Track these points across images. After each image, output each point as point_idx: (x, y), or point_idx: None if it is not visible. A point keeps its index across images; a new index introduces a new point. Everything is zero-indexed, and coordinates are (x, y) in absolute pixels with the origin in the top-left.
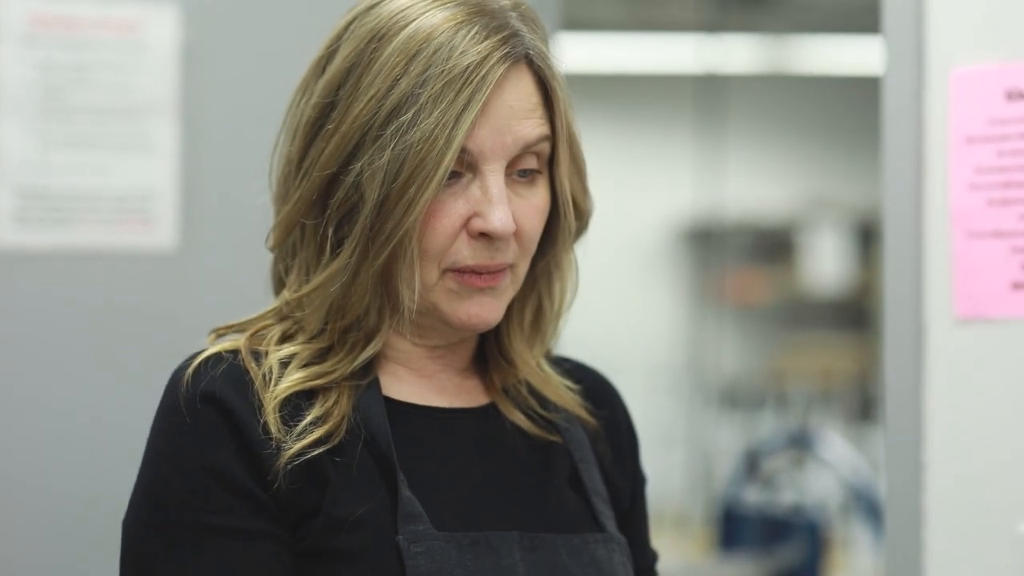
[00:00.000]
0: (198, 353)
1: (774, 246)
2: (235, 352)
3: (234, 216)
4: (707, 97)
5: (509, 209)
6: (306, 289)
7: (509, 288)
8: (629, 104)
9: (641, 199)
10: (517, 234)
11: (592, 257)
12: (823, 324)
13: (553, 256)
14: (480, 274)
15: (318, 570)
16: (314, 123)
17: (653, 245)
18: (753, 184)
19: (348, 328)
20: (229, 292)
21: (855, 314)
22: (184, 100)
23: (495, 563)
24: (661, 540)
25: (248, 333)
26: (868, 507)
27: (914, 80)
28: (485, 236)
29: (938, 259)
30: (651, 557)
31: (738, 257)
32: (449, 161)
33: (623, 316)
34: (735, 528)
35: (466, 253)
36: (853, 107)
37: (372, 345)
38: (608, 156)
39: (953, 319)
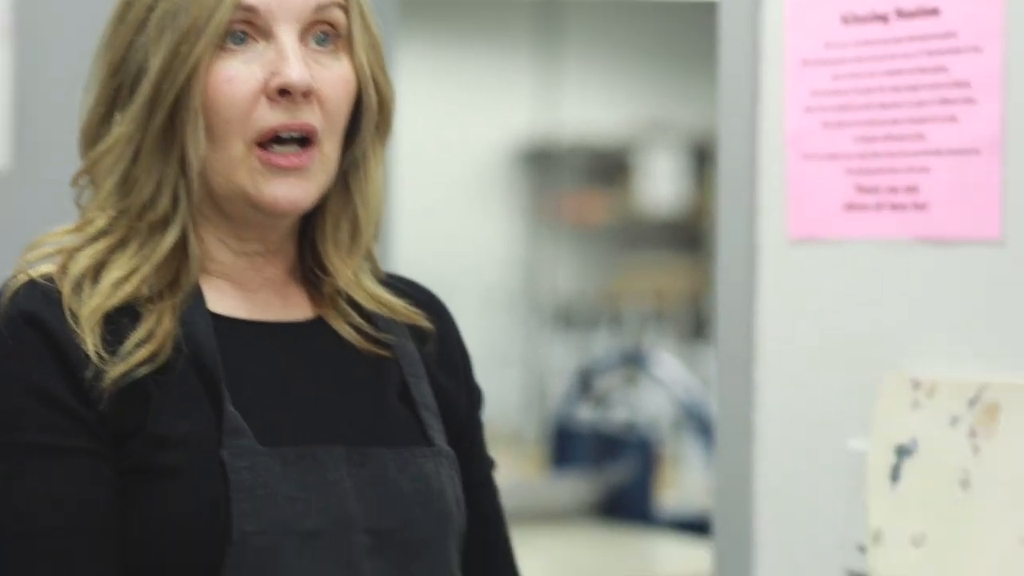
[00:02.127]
0: (19, 274)
1: (610, 168)
2: (52, 272)
3: (68, 136)
4: (544, 19)
5: (305, 65)
6: (90, 158)
7: (319, 172)
8: (467, 26)
9: (478, 120)
10: (320, 101)
11: (429, 178)
12: (657, 245)
13: (360, 146)
14: (287, 156)
15: (143, 487)
16: (113, 19)
17: (490, 166)
18: (590, 106)
19: (142, 213)
20: (63, 213)
21: (689, 235)
22: (17, 20)
23: (321, 478)
24: (495, 458)
25: (62, 249)
26: (699, 425)
27: (750, 3)
28: (286, 95)
29: (772, 181)
30: (488, 465)
31: (574, 178)
32: (223, 15)
33: (459, 237)
34: (568, 446)
35: (268, 116)
36: (690, 31)
37: (171, 231)
38: (446, 78)
39: (786, 240)
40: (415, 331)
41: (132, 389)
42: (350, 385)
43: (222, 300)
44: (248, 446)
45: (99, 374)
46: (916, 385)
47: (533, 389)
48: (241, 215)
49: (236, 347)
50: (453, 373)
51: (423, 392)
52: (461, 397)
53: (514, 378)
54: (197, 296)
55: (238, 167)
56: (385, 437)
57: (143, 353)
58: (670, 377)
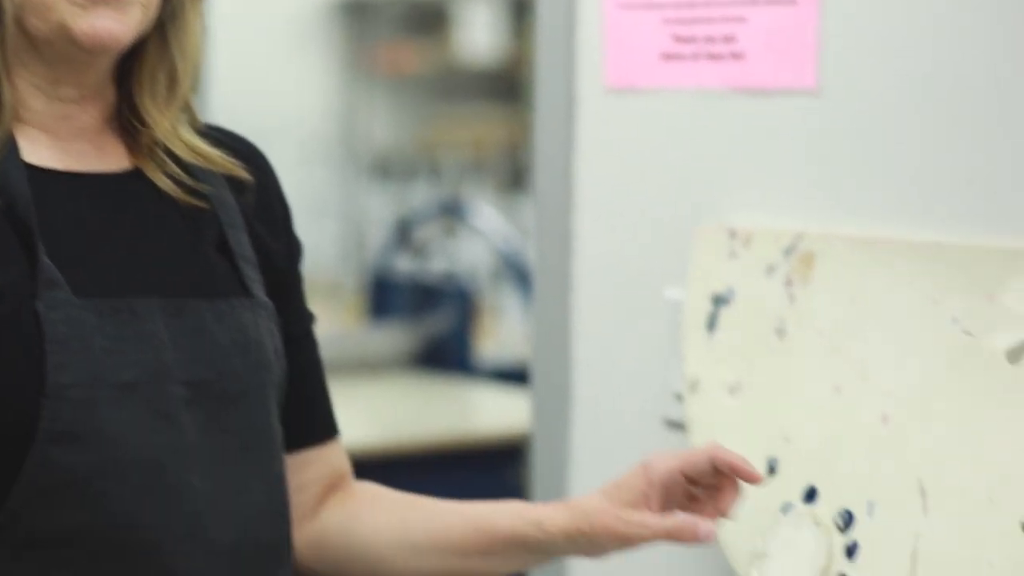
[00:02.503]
0: None
1: (427, 17)
2: None
3: None
4: None
5: None
6: None
7: (136, 7)
8: None
9: None
10: None
11: (246, 29)
12: (475, 95)
13: None
14: None
15: None
16: None
17: (307, 17)
18: None
19: None
20: None
21: (507, 85)
22: None
23: (137, 330)
24: (314, 309)
25: None
26: (518, 275)
27: None
28: None
29: (589, 30)
30: (308, 319)
31: (391, 28)
32: None
33: (276, 88)
34: (386, 296)
35: None
36: None
37: None
38: None
39: (603, 89)
40: (233, 182)
41: None
42: (167, 236)
43: (36, 151)
44: (63, 298)
45: None
46: (732, 235)
47: (351, 240)
48: (58, 56)
49: (51, 198)
50: (272, 224)
51: (241, 243)
52: (280, 249)
53: (332, 229)
54: (10, 146)
55: (55, 3)
56: (202, 288)
57: None
58: (488, 227)
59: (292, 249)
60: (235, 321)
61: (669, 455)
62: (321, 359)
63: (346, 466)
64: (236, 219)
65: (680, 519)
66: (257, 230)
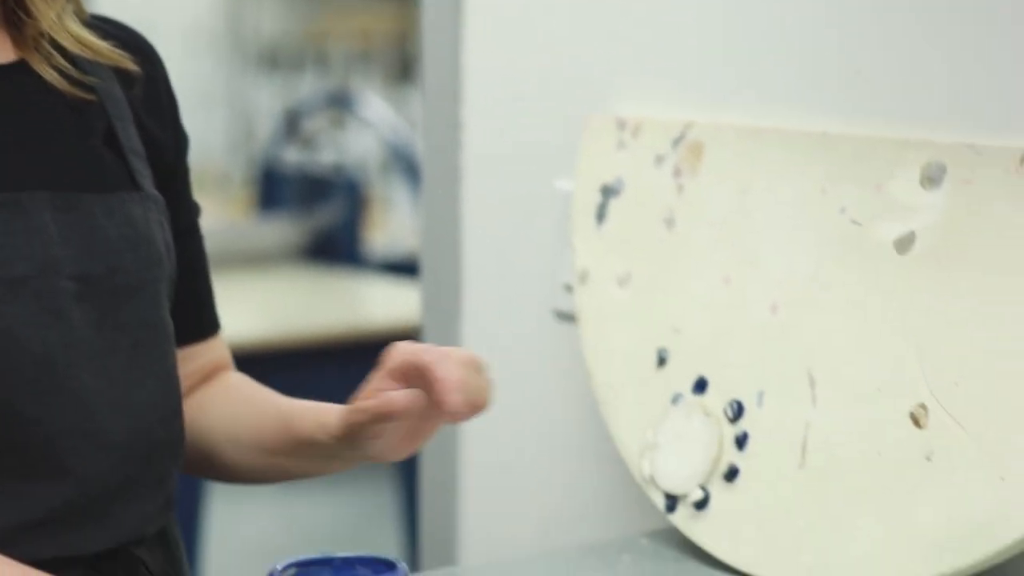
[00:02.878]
0: None
1: None
2: None
3: None
4: None
5: None
6: None
7: None
8: None
9: None
10: None
11: None
12: None
13: None
14: None
15: None
16: None
17: None
18: None
19: None
20: None
21: None
22: None
23: (24, 224)
24: (202, 202)
25: None
26: (407, 166)
27: None
28: None
29: None
30: (194, 212)
31: None
32: None
33: None
34: (275, 188)
35: None
36: None
37: None
38: None
39: None
40: (121, 74)
41: None
42: (54, 130)
43: None
44: None
45: None
46: (621, 125)
47: (239, 131)
48: None
49: None
50: (160, 117)
51: (130, 137)
52: (168, 141)
53: (219, 120)
54: None
55: None
56: (91, 182)
57: None
58: (377, 119)
59: (180, 141)
60: (125, 215)
61: (404, 349)
62: (206, 253)
63: (224, 358)
64: (124, 112)
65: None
66: (145, 123)
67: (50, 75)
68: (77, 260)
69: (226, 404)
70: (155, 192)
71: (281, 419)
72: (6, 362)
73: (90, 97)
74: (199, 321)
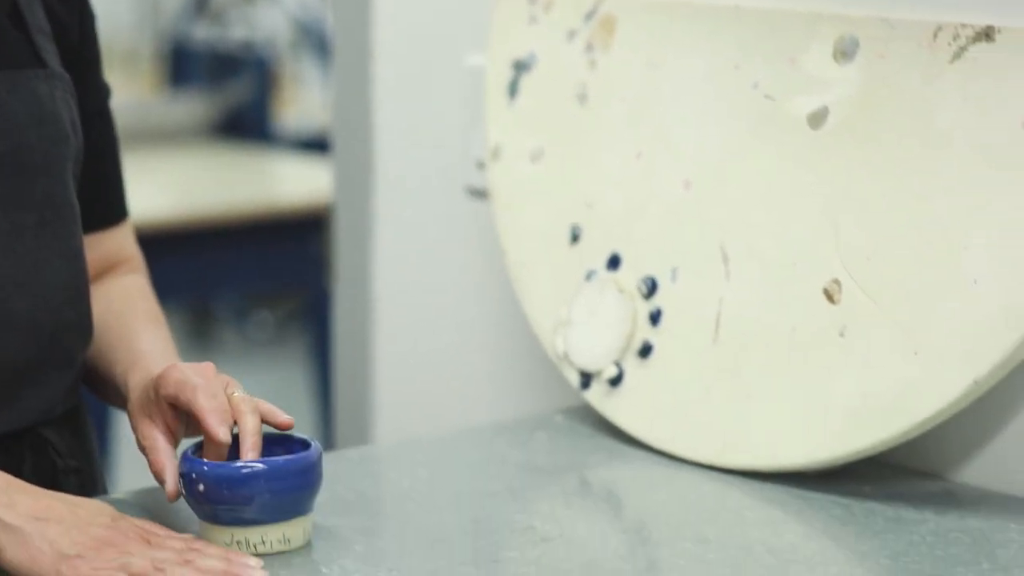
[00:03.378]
0: None
1: None
2: None
3: None
4: None
5: None
6: None
7: None
8: None
9: None
10: None
11: None
12: None
13: None
14: None
15: None
16: None
17: None
18: None
19: None
20: None
21: None
22: None
23: None
24: (111, 79)
25: None
26: (317, 43)
27: None
28: None
29: None
30: (104, 94)
31: None
32: None
33: None
34: (184, 65)
35: None
36: None
37: None
38: None
39: None
40: None
41: None
42: None
43: None
44: None
45: None
46: None
47: (147, 6)
48: None
49: None
50: None
51: (35, 14)
52: (73, 19)
53: None
54: None
55: None
56: None
57: None
58: None
59: (85, 20)
60: (30, 93)
61: (174, 379)
62: (117, 137)
63: (128, 251)
64: None
65: (155, 463)
66: (50, 2)
67: None
68: None
69: (100, 315)
70: (62, 71)
71: (119, 364)
72: None
73: None
74: (106, 206)
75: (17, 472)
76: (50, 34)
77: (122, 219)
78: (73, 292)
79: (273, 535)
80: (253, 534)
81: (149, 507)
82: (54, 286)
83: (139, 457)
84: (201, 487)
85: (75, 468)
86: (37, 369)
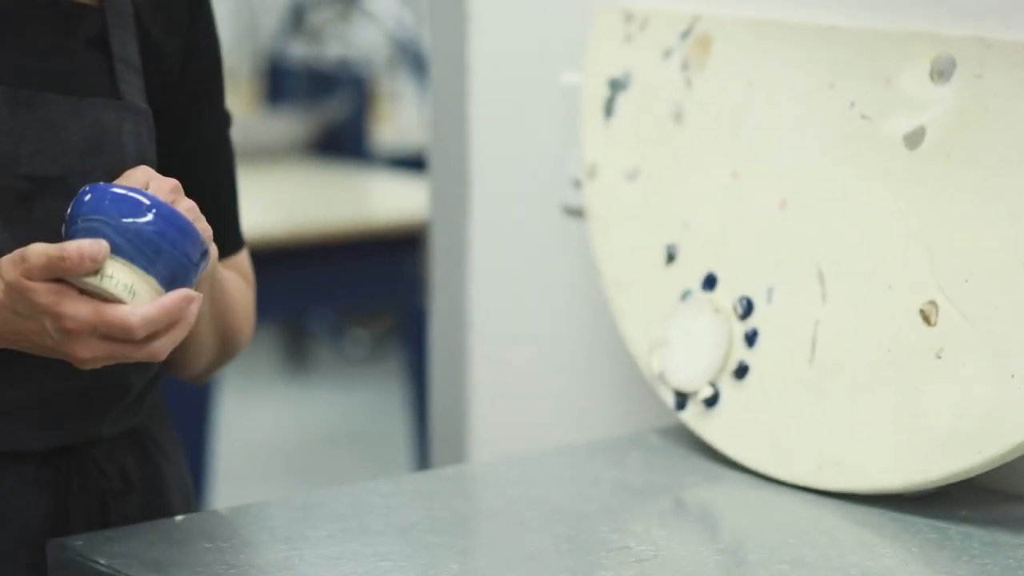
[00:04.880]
0: None
1: None
2: None
3: None
4: None
5: None
6: None
7: None
8: None
9: None
10: None
11: None
12: None
13: None
14: None
15: None
16: None
17: None
18: None
19: None
20: None
21: None
22: None
23: None
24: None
25: None
26: (414, 60)
27: None
28: None
29: None
30: (221, 124)
31: None
32: None
33: None
34: (281, 82)
35: None
36: None
37: None
38: None
39: None
40: None
41: None
42: (36, 30)
43: None
44: None
45: None
46: (628, 17)
47: (245, 25)
48: None
49: None
50: (167, 22)
51: (125, 46)
52: (176, 53)
53: (224, 13)
54: None
55: None
56: (62, 83)
57: None
58: (383, 12)
59: (194, 52)
60: (93, 120)
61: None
62: (234, 168)
63: (249, 276)
64: (125, 21)
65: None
66: (152, 33)
67: None
68: (31, 159)
69: None
70: (141, 104)
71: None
72: None
73: (90, 2)
74: (221, 238)
75: (65, 490)
76: (138, 66)
77: (237, 250)
78: None
79: (123, 277)
80: (110, 266)
81: (215, 532)
82: None
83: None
84: (88, 196)
85: (123, 491)
86: (83, 392)
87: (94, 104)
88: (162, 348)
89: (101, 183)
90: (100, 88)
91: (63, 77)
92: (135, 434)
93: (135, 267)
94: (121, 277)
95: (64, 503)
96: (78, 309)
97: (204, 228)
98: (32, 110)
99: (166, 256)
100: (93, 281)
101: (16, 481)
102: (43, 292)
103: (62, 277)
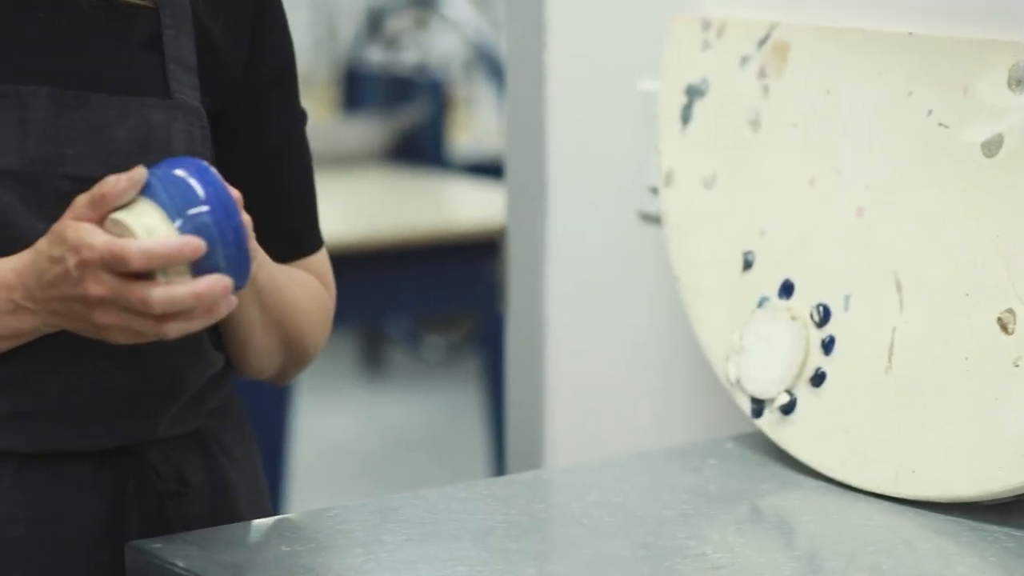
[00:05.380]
0: None
1: None
2: None
3: None
4: None
5: None
6: None
7: None
8: None
9: None
10: None
11: None
12: None
13: None
14: None
15: None
16: None
17: None
18: None
19: None
20: None
21: None
22: None
23: (23, 117)
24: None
25: None
26: (491, 66)
27: None
28: None
29: None
30: (294, 125)
31: None
32: None
33: None
34: (359, 88)
35: None
36: None
37: None
38: None
39: None
40: None
41: None
42: (87, 31)
43: None
44: None
45: None
46: (706, 25)
47: (323, 31)
48: None
49: None
50: (231, 24)
51: (179, 47)
52: (240, 52)
53: (302, 19)
54: None
55: None
56: (111, 83)
57: None
58: (461, 18)
59: (259, 48)
60: (142, 121)
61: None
62: (310, 165)
63: (325, 277)
64: (181, 21)
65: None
66: (212, 33)
67: None
68: (78, 159)
69: None
70: (193, 103)
71: None
72: (5, 249)
73: (144, 3)
74: (297, 236)
75: (121, 491)
76: (193, 65)
77: (312, 250)
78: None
79: (149, 220)
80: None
81: (292, 535)
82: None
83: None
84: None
85: (179, 492)
86: (136, 390)
87: (143, 104)
88: (174, 330)
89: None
90: (151, 88)
91: (114, 77)
92: (197, 436)
93: (164, 215)
94: (147, 220)
95: (120, 504)
96: (95, 238)
97: (253, 246)
98: (78, 111)
99: (205, 227)
100: (120, 215)
101: (71, 482)
102: (73, 226)
103: (101, 208)
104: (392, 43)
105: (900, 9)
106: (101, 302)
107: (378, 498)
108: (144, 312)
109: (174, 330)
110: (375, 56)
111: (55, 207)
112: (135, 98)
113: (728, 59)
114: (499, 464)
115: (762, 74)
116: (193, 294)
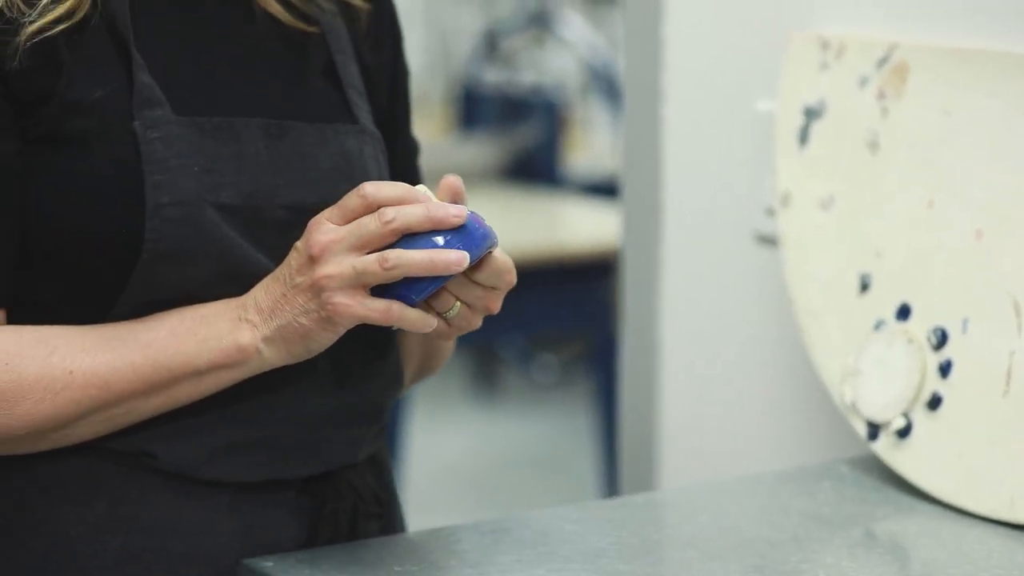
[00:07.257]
0: None
1: None
2: None
3: None
4: None
5: None
6: None
7: None
8: None
9: None
10: None
11: None
12: None
13: None
14: None
15: (52, 156)
16: None
17: None
18: None
19: None
20: None
21: None
22: None
23: (237, 150)
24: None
25: None
26: (607, 86)
27: None
28: None
29: None
30: (413, 151)
31: None
32: None
33: None
34: (475, 108)
35: None
36: None
37: None
38: None
39: None
40: (346, 8)
41: (45, 49)
42: (271, 58)
43: None
44: (162, 117)
45: (12, 27)
46: (825, 45)
47: (438, 51)
48: None
49: (151, 14)
50: (379, 52)
51: (349, 72)
52: (385, 78)
53: (418, 40)
54: None
55: None
56: (306, 112)
57: (60, 10)
58: (577, 38)
59: (397, 77)
60: (339, 147)
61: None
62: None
63: None
64: (346, 47)
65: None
66: (366, 58)
67: (274, 7)
68: (290, 189)
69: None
70: (373, 128)
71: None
72: (220, 282)
73: (312, 29)
74: None
75: (318, 514)
76: (363, 91)
77: None
78: (379, 341)
79: None
80: None
81: (405, 555)
82: (358, 336)
83: (419, 506)
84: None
85: (376, 513)
86: (343, 417)
87: (337, 131)
88: (396, 272)
89: None
90: (337, 115)
91: (305, 106)
92: (376, 457)
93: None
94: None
95: (315, 528)
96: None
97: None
98: (285, 141)
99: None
100: None
101: (277, 510)
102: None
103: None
104: (508, 63)
105: (1020, 29)
106: (325, 250)
107: (490, 518)
108: (377, 233)
109: (397, 272)
110: (491, 76)
111: (273, 237)
112: (329, 125)
113: (846, 80)
114: (610, 485)
115: (881, 95)
116: (425, 214)
